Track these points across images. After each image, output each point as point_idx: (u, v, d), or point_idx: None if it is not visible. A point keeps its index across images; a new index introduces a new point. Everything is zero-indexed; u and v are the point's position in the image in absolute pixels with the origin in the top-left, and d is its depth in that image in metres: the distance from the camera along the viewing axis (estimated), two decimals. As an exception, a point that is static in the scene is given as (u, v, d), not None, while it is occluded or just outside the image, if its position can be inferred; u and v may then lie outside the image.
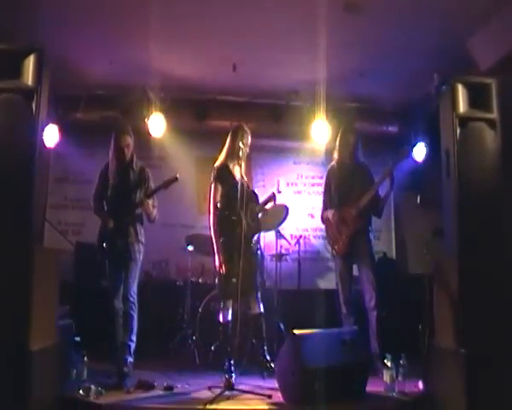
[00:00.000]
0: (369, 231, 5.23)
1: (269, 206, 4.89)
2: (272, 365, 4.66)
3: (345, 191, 5.15)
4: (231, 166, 4.82)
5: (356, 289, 5.20)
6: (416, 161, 6.57)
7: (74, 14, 4.85)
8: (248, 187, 4.84)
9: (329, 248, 5.34)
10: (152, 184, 4.84)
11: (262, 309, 4.76)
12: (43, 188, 6.71)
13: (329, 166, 5.39)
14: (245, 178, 4.83)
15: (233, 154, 4.79)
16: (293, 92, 6.55)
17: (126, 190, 4.77)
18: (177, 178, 4.67)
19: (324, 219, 5.36)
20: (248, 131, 4.87)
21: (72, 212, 7.18)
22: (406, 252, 7.39)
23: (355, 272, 5.20)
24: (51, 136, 6.24)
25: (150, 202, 4.70)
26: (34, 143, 3.46)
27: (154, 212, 4.77)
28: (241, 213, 4.56)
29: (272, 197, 4.83)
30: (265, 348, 4.82)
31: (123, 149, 4.75)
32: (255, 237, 4.94)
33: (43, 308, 3.43)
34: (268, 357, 4.77)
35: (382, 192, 5.19)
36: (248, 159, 5.36)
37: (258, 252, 5.19)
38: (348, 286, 5.11)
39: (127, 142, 4.77)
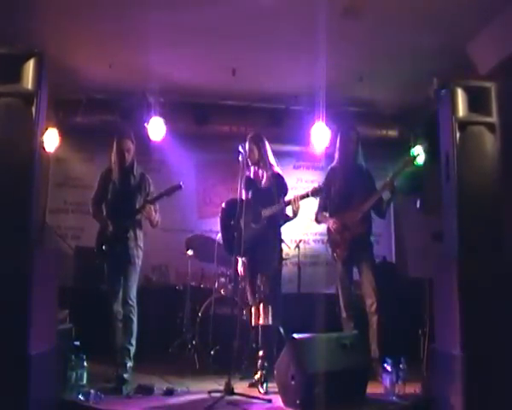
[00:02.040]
0: (370, 235, 5.22)
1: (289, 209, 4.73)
2: (263, 385, 4.48)
3: (346, 194, 5.14)
4: (252, 173, 4.88)
5: (356, 293, 5.20)
6: (415, 166, 6.56)
7: (74, 18, 4.86)
8: (268, 190, 4.75)
9: (330, 251, 5.32)
10: (152, 189, 4.85)
11: (270, 321, 4.59)
12: (43, 192, 6.72)
13: (329, 168, 5.37)
14: (269, 182, 4.79)
15: (251, 165, 4.87)
16: (293, 96, 6.56)
17: (126, 195, 4.77)
18: (180, 186, 4.69)
19: (319, 222, 5.37)
20: (248, 138, 4.87)
21: (72, 216, 7.19)
22: (406, 255, 7.39)
23: (355, 276, 5.19)
24: (51, 140, 6.24)
25: (152, 207, 4.71)
26: (34, 147, 3.46)
27: (157, 217, 4.76)
28: (242, 217, 4.54)
29: (290, 202, 4.66)
30: (265, 364, 4.58)
31: (124, 152, 4.76)
32: (268, 241, 4.69)
33: (42, 312, 3.43)
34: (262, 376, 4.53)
35: (385, 195, 5.19)
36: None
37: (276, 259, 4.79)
38: (348, 290, 5.10)
39: (128, 146, 4.78)
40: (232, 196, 4.93)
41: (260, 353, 4.61)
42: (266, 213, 4.66)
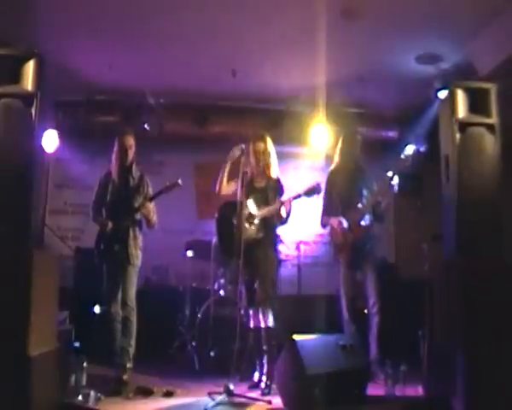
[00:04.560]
0: (373, 236, 5.22)
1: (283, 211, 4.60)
2: (265, 385, 4.47)
3: (347, 197, 5.14)
4: (254, 175, 4.83)
5: (357, 294, 5.20)
6: (415, 166, 6.55)
7: (74, 19, 4.86)
8: (264, 191, 4.74)
9: (333, 253, 5.30)
10: (151, 191, 4.85)
11: (270, 324, 4.56)
12: (43, 193, 6.72)
13: (329, 171, 5.38)
14: (266, 183, 4.78)
15: (254, 165, 4.82)
16: (293, 97, 6.56)
17: (126, 195, 4.77)
18: (178, 183, 4.69)
19: (325, 225, 5.35)
20: (255, 139, 4.82)
21: (72, 217, 7.20)
22: (406, 256, 7.38)
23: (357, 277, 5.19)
24: (51, 141, 6.24)
25: (150, 205, 4.71)
26: (33, 149, 3.46)
27: (154, 217, 4.77)
28: (240, 217, 4.54)
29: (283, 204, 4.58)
30: (264, 366, 4.58)
31: (126, 149, 4.77)
32: (264, 242, 4.65)
33: (42, 314, 3.42)
34: (263, 378, 4.55)
35: (384, 196, 5.17)
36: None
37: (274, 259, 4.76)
38: (351, 292, 5.09)
39: (130, 143, 4.79)
40: (229, 199, 4.90)
41: (264, 355, 4.59)
42: (259, 213, 4.65)
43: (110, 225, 4.67)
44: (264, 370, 4.54)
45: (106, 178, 4.87)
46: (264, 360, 4.57)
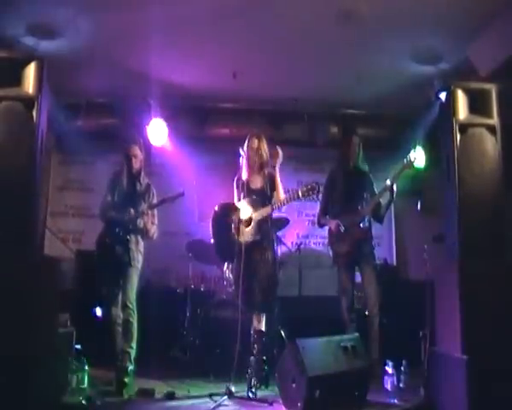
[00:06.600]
0: (371, 238, 5.22)
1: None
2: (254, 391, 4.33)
3: (347, 198, 5.14)
4: (250, 176, 4.77)
5: (357, 295, 5.20)
6: (415, 168, 6.55)
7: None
8: (262, 191, 4.69)
9: (332, 254, 5.30)
10: (155, 201, 4.87)
11: (263, 328, 4.53)
12: (44, 196, 6.72)
13: (330, 172, 5.38)
14: (263, 183, 4.72)
15: (248, 164, 4.76)
16: (293, 99, 6.56)
17: (131, 199, 4.80)
18: (183, 193, 4.73)
19: (322, 225, 5.36)
20: (254, 136, 4.78)
21: (73, 220, 7.20)
22: (407, 258, 7.38)
23: (357, 278, 5.19)
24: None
25: (150, 213, 4.72)
26: (35, 151, 3.47)
27: (153, 229, 4.79)
28: (237, 222, 4.53)
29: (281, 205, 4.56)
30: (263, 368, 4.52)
31: (131, 157, 4.83)
32: (261, 244, 4.60)
33: (43, 316, 3.43)
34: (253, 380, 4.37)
35: (384, 199, 5.18)
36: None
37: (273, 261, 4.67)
38: (350, 293, 5.10)
39: (135, 152, 4.85)
40: (228, 200, 4.88)
41: (252, 358, 4.46)
42: (257, 215, 4.60)
43: (132, 211, 4.70)
44: (251, 371, 4.40)
45: (114, 179, 4.93)
46: (256, 363, 4.46)
